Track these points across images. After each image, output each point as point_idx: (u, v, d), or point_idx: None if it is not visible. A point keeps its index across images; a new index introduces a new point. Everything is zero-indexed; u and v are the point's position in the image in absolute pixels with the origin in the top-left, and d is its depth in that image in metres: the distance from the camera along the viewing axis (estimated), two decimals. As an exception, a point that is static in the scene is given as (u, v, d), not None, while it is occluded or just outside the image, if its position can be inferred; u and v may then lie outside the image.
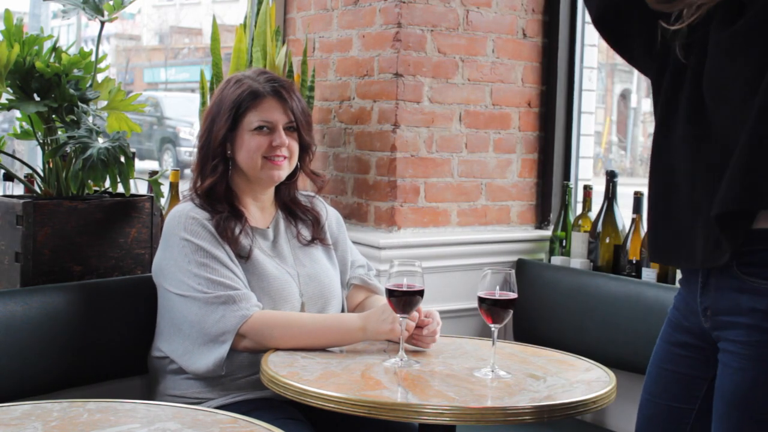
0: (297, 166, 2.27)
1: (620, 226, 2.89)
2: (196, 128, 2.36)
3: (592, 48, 3.27)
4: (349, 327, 2.08)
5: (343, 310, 2.33)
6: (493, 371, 1.92)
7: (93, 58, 2.47)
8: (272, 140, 2.17)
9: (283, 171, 2.21)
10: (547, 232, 3.14)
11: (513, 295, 1.91)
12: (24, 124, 2.55)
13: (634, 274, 2.79)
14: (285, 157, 2.20)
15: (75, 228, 2.34)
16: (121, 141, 2.39)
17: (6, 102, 2.38)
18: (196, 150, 2.23)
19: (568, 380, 1.93)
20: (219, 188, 2.18)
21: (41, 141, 2.46)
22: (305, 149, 2.26)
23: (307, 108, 2.28)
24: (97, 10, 2.47)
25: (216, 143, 2.17)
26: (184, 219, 2.12)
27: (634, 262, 2.80)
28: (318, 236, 2.31)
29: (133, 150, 2.46)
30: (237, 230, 2.15)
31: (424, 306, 2.06)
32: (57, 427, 1.54)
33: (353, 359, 2.01)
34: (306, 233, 2.30)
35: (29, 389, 2.07)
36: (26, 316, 2.08)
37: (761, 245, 1.47)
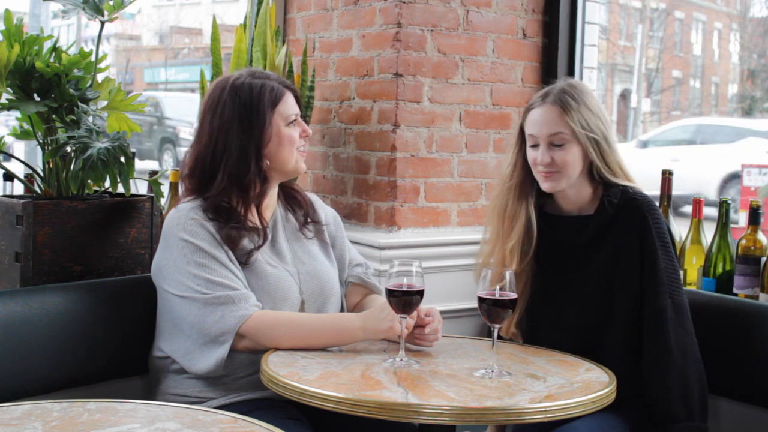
0: None
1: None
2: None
3: (592, 48, 3.27)
4: (349, 326, 2.08)
5: (342, 309, 2.33)
6: (493, 371, 1.92)
7: (93, 58, 2.47)
8: (302, 131, 2.22)
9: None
10: (547, 232, 3.13)
11: (513, 295, 1.91)
12: (24, 124, 2.56)
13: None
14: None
15: (75, 228, 2.34)
16: (121, 141, 2.39)
17: (6, 102, 2.38)
18: (199, 156, 2.18)
19: (568, 380, 1.93)
20: (231, 195, 2.17)
21: (41, 141, 2.46)
22: None
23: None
24: (97, 10, 2.48)
25: (247, 151, 2.13)
26: (183, 219, 2.12)
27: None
28: (312, 219, 2.31)
29: (133, 150, 2.46)
30: (237, 231, 2.14)
31: (424, 306, 2.06)
32: (57, 427, 1.54)
33: (353, 359, 2.01)
34: (302, 220, 2.30)
35: (29, 389, 2.07)
36: (26, 316, 2.08)
37: None
